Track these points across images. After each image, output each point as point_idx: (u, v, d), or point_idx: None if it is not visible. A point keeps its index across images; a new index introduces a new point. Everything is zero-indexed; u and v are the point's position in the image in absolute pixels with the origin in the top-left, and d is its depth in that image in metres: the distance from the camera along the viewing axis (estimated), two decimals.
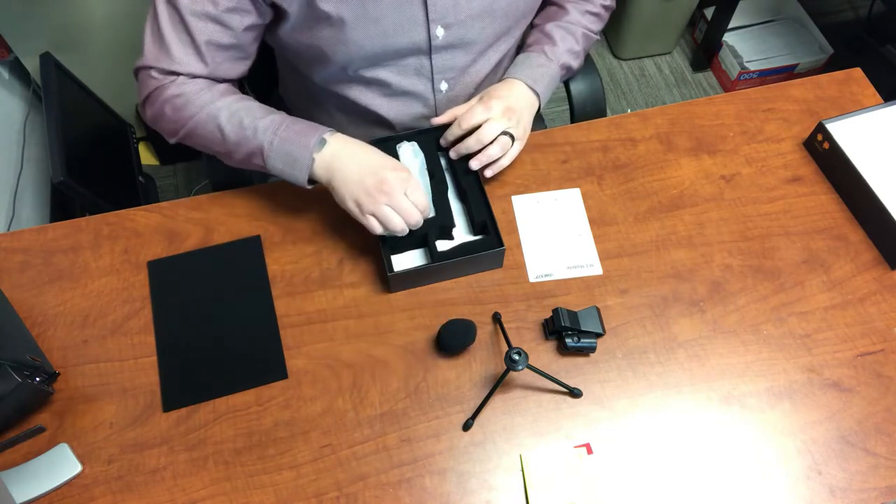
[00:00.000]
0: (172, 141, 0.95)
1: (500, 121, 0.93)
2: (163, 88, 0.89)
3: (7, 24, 1.53)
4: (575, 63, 1.06)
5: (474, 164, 0.95)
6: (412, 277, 0.92)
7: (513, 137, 0.95)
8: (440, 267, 0.91)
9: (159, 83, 0.89)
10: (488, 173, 0.96)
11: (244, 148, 0.89)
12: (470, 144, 0.94)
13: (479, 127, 0.93)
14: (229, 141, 0.89)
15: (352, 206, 0.88)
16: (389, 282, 0.91)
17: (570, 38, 1.03)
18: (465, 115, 0.94)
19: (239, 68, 0.94)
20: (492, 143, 0.94)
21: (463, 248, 0.92)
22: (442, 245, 0.94)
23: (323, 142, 0.88)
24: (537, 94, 0.99)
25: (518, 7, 0.96)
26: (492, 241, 0.93)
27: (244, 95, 0.94)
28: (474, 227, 0.96)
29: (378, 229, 0.87)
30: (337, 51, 0.91)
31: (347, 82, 1.00)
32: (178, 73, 0.89)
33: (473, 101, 0.99)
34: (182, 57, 0.87)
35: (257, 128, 0.88)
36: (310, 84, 1.05)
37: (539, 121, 1.34)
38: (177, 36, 0.86)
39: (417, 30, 0.92)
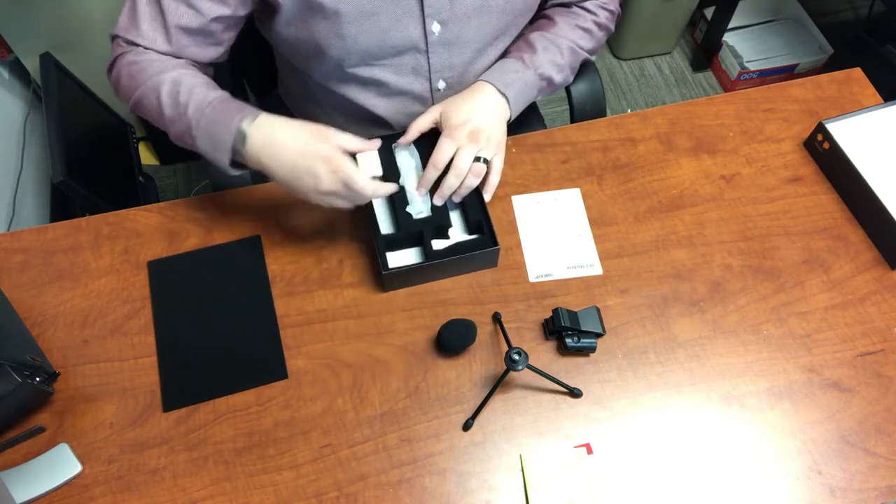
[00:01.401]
0: (129, 109, 0.93)
1: (468, 148, 0.91)
2: (124, 55, 0.90)
3: (7, 24, 1.53)
4: (558, 76, 1.01)
5: (457, 199, 0.95)
6: (406, 276, 0.92)
7: (486, 160, 0.92)
8: (434, 266, 0.91)
9: (123, 50, 0.90)
10: (487, 197, 0.95)
11: (178, 125, 0.86)
12: (451, 184, 0.91)
13: (451, 161, 0.91)
14: (165, 116, 0.87)
15: (298, 197, 0.86)
16: (383, 280, 0.91)
17: (553, 49, 1.00)
18: (435, 155, 0.91)
19: (208, 53, 0.93)
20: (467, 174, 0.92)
21: (457, 248, 0.92)
22: (438, 244, 0.94)
23: (242, 135, 0.83)
24: (507, 98, 0.95)
25: (515, 5, 0.95)
26: (486, 241, 0.93)
27: (197, 72, 0.91)
28: (470, 226, 0.96)
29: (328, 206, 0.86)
30: (332, 45, 0.91)
31: (345, 81, 1.00)
32: (140, 46, 0.90)
33: (428, 117, 0.95)
34: (149, 33, 0.88)
35: (189, 104, 0.85)
36: (308, 83, 1.05)
37: (539, 121, 1.34)
38: (149, 12, 0.87)
39: (413, 25, 0.92)
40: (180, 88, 0.86)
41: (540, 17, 1.07)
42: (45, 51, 1.55)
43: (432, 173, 0.93)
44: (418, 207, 0.95)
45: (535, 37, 1.01)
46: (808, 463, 0.83)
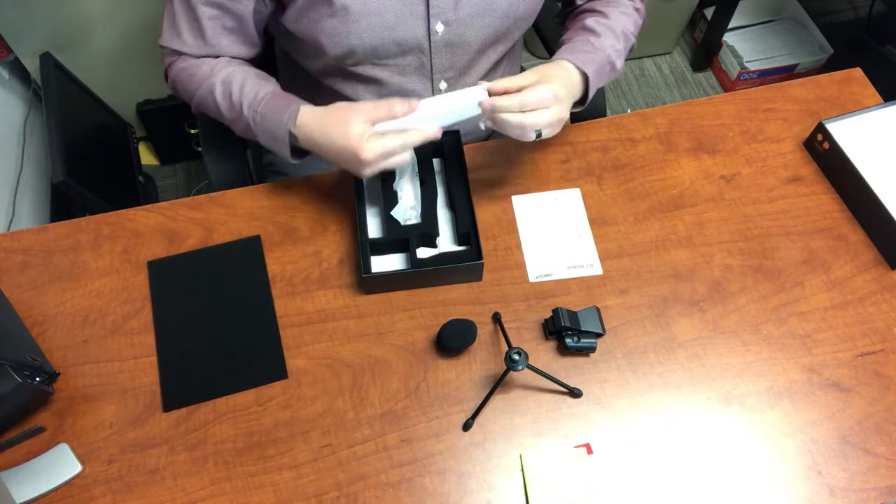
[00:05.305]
0: (194, 110, 1.01)
1: (554, 108, 0.84)
2: (174, 64, 0.98)
3: (7, 24, 1.53)
4: (618, 62, 0.98)
5: (485, 124, 0.87)
6: (387, 281, 0.92)
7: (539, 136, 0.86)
8: (416, 274, 0.91)
9: (172, 59, 0.98)
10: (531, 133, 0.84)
11: (238, 124, 0.94)
12: (510, 104, 0.82)
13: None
14: (225, 117, 0.95)
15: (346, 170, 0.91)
16: (363, 283, 0.91)
17: (611, 34, 0.98)
18: (528, 93, 0.83)
19: (247, 50, 0.99)
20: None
21: (443, 258, 0.92)
22: (424, 252, 0.94)
23: (293, 118, 0.88)
24: (586, 77, 0.91)
25: (518, 8, 0.95)
26: (472, 254, 0.92)
27: (243, 65, 0.97)
28: (459, 237, 0.95)
29: (380, 171, 0.87)
30: (337, 42, 0.91)
31: (347, 78, 1.00)
32: (184, 54, 0.96)
33: (527, 79, 0.85)
34: (190, 40, 0.95)
35: (242, 103, 0.92)
36: (309, 79, 1.05)
37: None
38: (186, 21, 0.93)
39: (417, 24, 0.92)
40: (232, 89, 0.93)
41: (583, 10, 1.04)
42: (45, 51, 1.56)
43: (510, 101, 0.83)
44: (406, 213, 0.95)
45: (591, 22, 0.98)
46: (808, 463, 0.83)
